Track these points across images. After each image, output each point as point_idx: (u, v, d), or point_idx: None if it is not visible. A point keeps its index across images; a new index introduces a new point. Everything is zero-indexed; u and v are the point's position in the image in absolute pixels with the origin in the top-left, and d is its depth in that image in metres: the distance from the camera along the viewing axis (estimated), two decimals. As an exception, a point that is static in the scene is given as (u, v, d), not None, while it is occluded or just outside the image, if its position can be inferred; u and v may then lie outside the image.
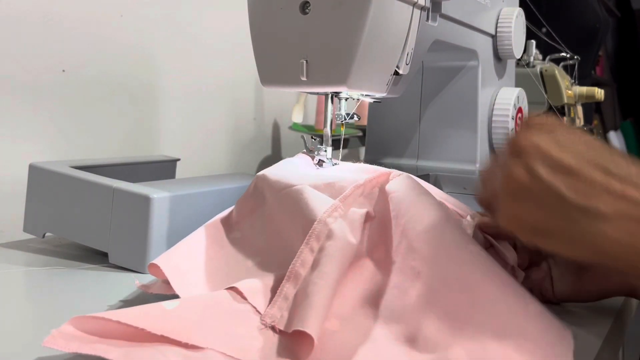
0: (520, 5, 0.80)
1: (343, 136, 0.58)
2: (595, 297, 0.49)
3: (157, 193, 0.58)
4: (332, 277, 0.40)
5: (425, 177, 0.65)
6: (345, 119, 0.56)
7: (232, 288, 0.43)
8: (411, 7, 0.54)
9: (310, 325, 0.36)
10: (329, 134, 0.56)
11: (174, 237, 0.56)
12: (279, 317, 0.40)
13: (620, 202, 0.34)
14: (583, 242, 0.35)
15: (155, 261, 0.47)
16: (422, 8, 0.56)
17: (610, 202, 0.34)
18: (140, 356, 0.34)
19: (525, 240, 0.38)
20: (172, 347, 0.35)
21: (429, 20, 0.60)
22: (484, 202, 0.42)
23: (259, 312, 0.41)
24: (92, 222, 0.61)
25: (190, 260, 0.48)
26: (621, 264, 0.35)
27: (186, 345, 0.36)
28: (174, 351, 0.35)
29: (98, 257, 0.62)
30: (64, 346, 0.34)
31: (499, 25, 0.76)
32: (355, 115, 0.56)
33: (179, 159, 0.84)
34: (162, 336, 0.35)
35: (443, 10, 0.61)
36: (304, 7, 0.50)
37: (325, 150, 0.56)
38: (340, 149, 0.57)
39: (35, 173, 0.65)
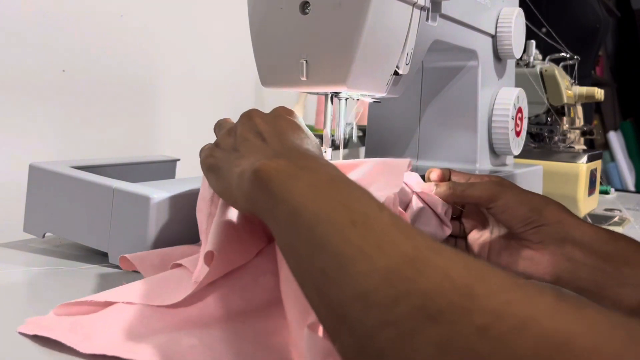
0: (520, 5, 0.80)
1: (344, 136, 0.58)
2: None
3: (157, 193, 0.58)
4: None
5: (424, 178, 0.65)
6: (349, 123, 0.56)
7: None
8: (411, 7, 0.54)
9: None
10: (329, 134, 0.56)
11: (174, 237, 0.57)
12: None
13: (260, 145, 0.42)
14: (223, 177, 0.43)
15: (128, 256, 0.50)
16: (422, 8, 0.56)
17: (253, 145, 0.42)
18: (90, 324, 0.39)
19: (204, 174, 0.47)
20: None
21: (429, 20, 0.60)
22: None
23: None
24: (92, 222, 0.61)
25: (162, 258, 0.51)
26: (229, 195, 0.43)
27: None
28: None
29: (98, 257, 0.62)
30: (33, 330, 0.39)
31: (499, 25, 0.76)
32: (353, 127, 0.57)
33: (179, 159, 0.84)
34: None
35: (443, 10, 0.61)
36: (304, 7, 0.50)
37: (325, 151, 0.56)
38: (341, 149, 0.57)
39: (35, 173, 0.65)
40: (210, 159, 0.46)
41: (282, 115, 0.47)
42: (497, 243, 0.52)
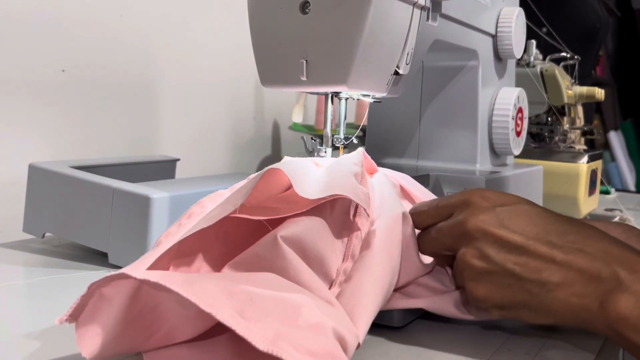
0: (521, 5, 0.80)
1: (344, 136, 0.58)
2: None
3: (157, 193, 0.58)
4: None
5: (426, 177, 0.65)
6: (345, 143, 0.56)
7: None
8: (411, 7, 0.54)
9: None
10: (329, 135, 0.56)
11: (174, 237, 0.56)
12: None
13: (565, 271, 0.38)
14: (543, 310, 0.39)
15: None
16: (422, 8, 0.56)
17: (557, 272, 0.38)
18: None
19: (498, 315, 0.42)
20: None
21: (429, 20, 0.60)
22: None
23: None
24: (92, 222, 0.61)
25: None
26: (574, 323, 0.39)
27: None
28: None
29: (98, 257, 0.62)
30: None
31: (499, 25, 0.76)
32: (353, 139, 0.56)
33: (179, 159, 0.84)
34: None
35: (443, 10, 0.61)
36: (304, 7, 0.50)
37: (325, 151, 0.56)
38: (341, 150, 0.57)
39: (35, 173, 0.65)
40: (490, 302, 0.41)
41: (506, 209, 0.41)
42: None
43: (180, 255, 0.42)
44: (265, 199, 0.44)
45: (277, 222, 0.41)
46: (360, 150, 0.51)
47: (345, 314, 0.38)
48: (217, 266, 0.43)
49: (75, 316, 0.35)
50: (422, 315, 0.49)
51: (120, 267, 0.58)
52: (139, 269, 0.35)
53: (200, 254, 0.43)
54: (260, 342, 0.31)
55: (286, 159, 0.50)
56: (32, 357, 0.39)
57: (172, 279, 0.33)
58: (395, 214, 0.45)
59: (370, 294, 0.40)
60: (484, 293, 0.41)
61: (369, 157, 0.51)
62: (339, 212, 0.44)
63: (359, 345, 0.37)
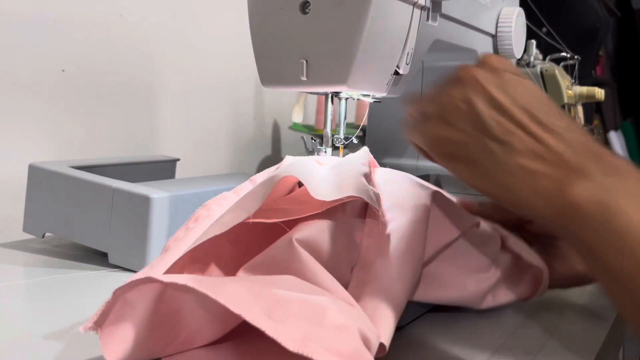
0: (521, 5, 0.80)
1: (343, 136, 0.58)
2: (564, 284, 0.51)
3: (157, 193, 0.58)
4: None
5: (425, 177, 0.65)
6: (344, 143, 0.56)
7: None
8: (411, 7, 0.54)
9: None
10: (329, 135, 0.56)
11: (174, 237, 0.56)
12: None
13: (533, 142, 0.37)
14: (492, 174, 0.38)
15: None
16: (422, 8, 0.56)
17: (524, 140, 0.37)
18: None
19: (440, 163, 0.41)
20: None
21: (429, 20, 0.60)
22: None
23: None
24: (92, 222, 0.61)
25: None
26: (517, 200, 0.38)
27: None
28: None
29: (98, 257, 0.62)
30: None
31: (499, 25, 0.76)
32: (353, 139, 0.56)
33: (179, 159, 0.84)
34: None
35: (443, 10, 0.61)
36: (304, 7, 0.50)
37: (325, 151, 0.56)
38: (341, 150, 0.57)
39: (35, 173, 0.65)
40: (450, 146, 0.40)
41: (513, 77, 0.40)
42: None
43: (193, 261, 0.42)
44: (273, 201, 0.44)
45: (290, 224, 0.41)
46: (366, 149, 0.51)
47: (365, 315, 0.38)
48: (229, 270, 0.43)
49: (100, 323, 0.34)
50: (422, 315, 0.49)
51: (120, 267, 0.59)
52: (159, 274, 0.36)
53: (212, 258, 0.43)
54: (290, 342, 0.31)
55: (288, 158, 0.50)
56: (32, 357, 0.39)
57: (199, 282, 0.33)
58: (415, 212, 0.45)
59: (390, 295, 0.40)
60: (448, 134, 0.40)
61: (372, 156, 0.51)
62: (350, 213, 0.44)
63: (384, 348, 0.37)
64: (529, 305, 0.52)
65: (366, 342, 0.35)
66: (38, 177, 0.65)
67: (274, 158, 1.26)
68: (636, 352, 0.74)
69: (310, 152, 0.57)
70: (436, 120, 0.41)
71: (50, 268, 0.60)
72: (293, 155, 0.57)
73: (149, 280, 0.34)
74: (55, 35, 0.83)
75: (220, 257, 0.43)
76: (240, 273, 0.42)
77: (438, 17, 0.61)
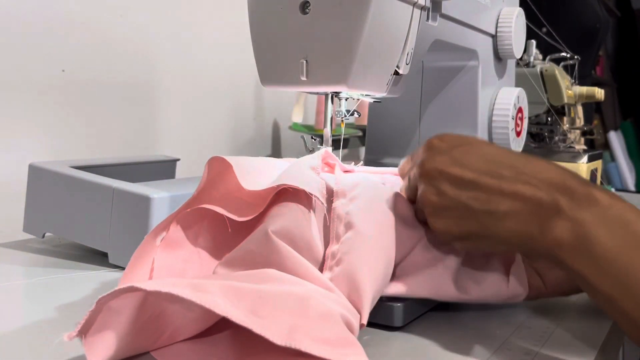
0: (521, 5, 0.80)
1: (343, 136, 0.58)
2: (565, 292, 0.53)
3: (157, 193, 0.58)
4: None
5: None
6: (345, 116, 0.56)
7: None
8: (411, 7, 0.54)
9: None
10: (329, 134, 0.56)
11: (174, 237, 0.56)
12: None
13: (511, 200, 0.41)
14: (494, 238, 0.42)
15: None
16: (422, 8, 0.56)
17: (504, 202, 0.41)
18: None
19: (458, 247, 0.45)
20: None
21: (429, 20, 0.60)
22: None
23: None
24: (92, 222, 0.61)
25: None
26: (522, 249, 0.43)
27: None
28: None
29: (98, 257, 0.62)
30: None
31: (499, 25, 0.76)
32: (355, 112, 0.57)
33: (179, 159, 0.84)
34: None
35: (443, 10, 0.61)
36: (304, 7, 0.50)
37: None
38: (340, 149, 0.57)
39: (35, 173, 0.65)
40: (456, 233, 0.43)
41: (461, 149, 0.44)
42: None
43: (168, 246, 0.44)
44: (226, 193, 0.46)
45: (257, 204, 0.44)
46: (323, 149, 0.52)
47: (344, 298, 0.40)
48: (210, 257, 0.46)
49: (84, 331, 0.35)
50: (422, 315, 0.49)
51: (120, 267, 0.59)
52: (145, 281, 0.37)
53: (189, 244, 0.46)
54: (277, 337, 0.32)
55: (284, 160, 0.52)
56: (32, 357, 0.39)
57: (182, 287, 0.33)
58: (376, 191, 0.47)
59: (365, 273, 0.41)
60: (443, 226, 0.43)
61: (338, 159, 0.52)
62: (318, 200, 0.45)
63: (362, 325, 0.39)
64: (529, 305, 0.52)
65: (349, 325, 0.37)
66: (38, 177, 0.65)
67: (274, 158, 1.26)
68: (636, 352, 0.74)
69: (311, 152, 0.57)
70: (428, 218, 0.44)
71: (50, 268, 0.60)
72: (293, 155, 0.57)
73: (132, 289, 0.34)
74: (55, 36, 0.83)
75: (197, 242, 0.46)
76: (219, 268, 0.43)
77: (438, 17, 0.61)
